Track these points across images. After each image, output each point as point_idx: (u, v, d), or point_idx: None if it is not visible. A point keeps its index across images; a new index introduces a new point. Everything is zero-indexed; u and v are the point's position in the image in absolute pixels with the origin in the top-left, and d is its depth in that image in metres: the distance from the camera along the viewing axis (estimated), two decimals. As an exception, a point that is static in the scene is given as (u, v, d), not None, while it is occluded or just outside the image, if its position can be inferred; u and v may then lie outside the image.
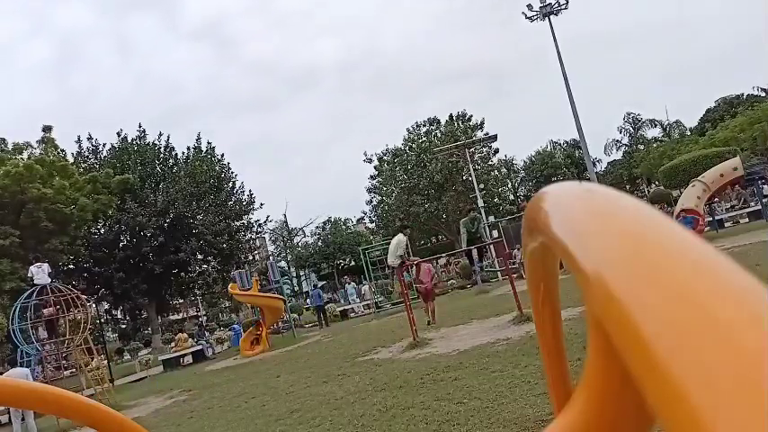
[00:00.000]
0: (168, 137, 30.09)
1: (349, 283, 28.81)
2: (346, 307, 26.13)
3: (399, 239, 11.06)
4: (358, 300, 26.43)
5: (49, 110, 73.15)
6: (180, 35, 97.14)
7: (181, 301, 36.31)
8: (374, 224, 46.07)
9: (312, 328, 22.43)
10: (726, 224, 21.36)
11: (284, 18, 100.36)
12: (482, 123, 39.64)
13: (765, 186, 18.54)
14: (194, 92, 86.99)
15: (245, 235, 32.24)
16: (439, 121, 40.35)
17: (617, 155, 50.93)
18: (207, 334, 24.89)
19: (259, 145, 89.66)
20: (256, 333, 17.66)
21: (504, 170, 47.18)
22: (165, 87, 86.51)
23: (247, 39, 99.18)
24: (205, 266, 30.23)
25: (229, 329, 26.89)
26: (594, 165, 40.95)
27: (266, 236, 41.55)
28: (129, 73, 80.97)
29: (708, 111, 47.03)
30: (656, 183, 38.90)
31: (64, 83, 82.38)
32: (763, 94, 41.91)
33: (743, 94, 45.37)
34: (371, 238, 43.18)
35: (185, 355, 21.06)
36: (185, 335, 23.48)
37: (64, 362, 15.02)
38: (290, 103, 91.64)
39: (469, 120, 39.93)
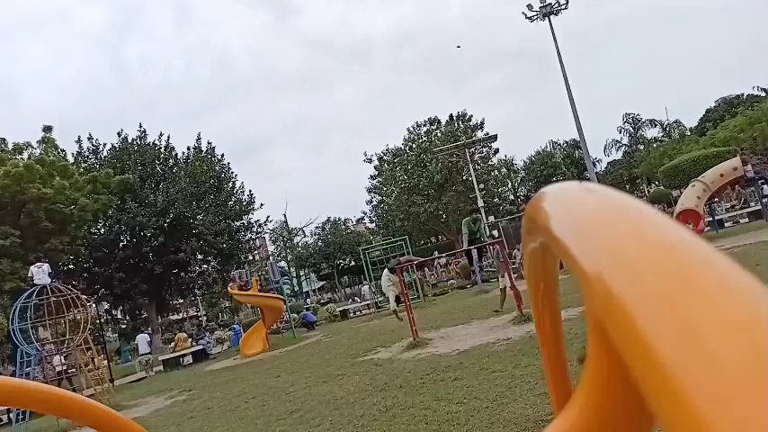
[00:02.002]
0: (168, 137, 30.08)
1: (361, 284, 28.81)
2: (347, 307, 26.12)
3: (388, 275, 11.99)
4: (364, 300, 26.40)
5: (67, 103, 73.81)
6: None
7: (181, 301, 36.28)
8: (374, 224, 46.06)
9: (311, 329, 22.42)
10: (726, 224, 21.34)
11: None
12: (482, 123, 39.66)
13: (765, 186, 18.52)
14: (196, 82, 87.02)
15: (245, 235, 32.20)
16: (439, 121, 40.34)
17: (617, 155, 50.95)
18: (207, 334, 24.90)
19: (263, 143, 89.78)
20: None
21: (504, 170, 47.15)
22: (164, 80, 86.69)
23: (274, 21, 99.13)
24: (205, 266, 30.20)
25: (229, 329, 26.90)
26: (594, 165, 40.93)
27: (266, 236, 41.53)
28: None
29: (708, 111, 47.00)
30: (656, 183, 38.92)
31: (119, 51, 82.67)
32: (763, 94, 41.87)
33: (743, 94, 45.34)
34: (371, 238, 43.17)
35: (185, 355, 21.08)
36: (185, 335, 23.52)
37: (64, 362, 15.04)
38: (296, 98, 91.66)
39: (470, 120, 39.93)
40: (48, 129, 25.14)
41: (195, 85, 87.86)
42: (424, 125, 40.75)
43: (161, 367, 21.21)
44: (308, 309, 26.28)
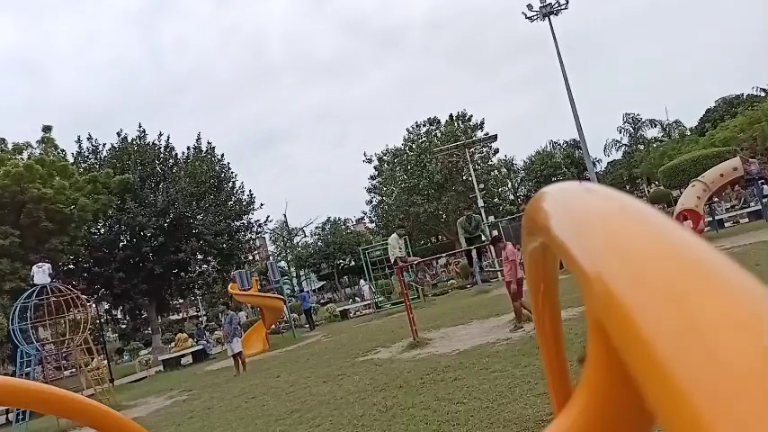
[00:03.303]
0: (168, 137, 30.09)
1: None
2: (347, 307, 26.12)
3: (393, 239, 12.00)
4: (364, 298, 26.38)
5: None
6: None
7: (181, 301, 36.27)
8: (374, 224, 46.05)
9: (312, 329, 22.42)
10: (726, 224, 21.35)
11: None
12: (482, 123, 39.65)
13: (765, 186, 18.52)
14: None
15: (245, 235, 32.18)
16: (439, 121, 40.32)
17: (617, 155, 50.96)
18: (207, 333, 24.93)
19: (267, 142, 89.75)
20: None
21: (504, 170, 47.15)
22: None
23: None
24: (205, 266, 30.19)
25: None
26: (594, 165, 40.92)
27: (266, 236, 41.51)
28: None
29: (708, 111, 47.00)
30: (656, 183, 38.91)
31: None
32: (763, 94, 41.86)
33: (743, 94, 45.32)
34: (371, 238, 43.17)
35: (185, 355, 21.08)
36: (185, 335, 23.52)
37: (64, 362, 15.03)
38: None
39: (469, 120, 39.91)
40: (47, 129, 25.10)
41: (207, 76, 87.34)
42: (424, 125, 40.75)
43: (161, 367, 21.21)
44: (302, 290, 26.14)
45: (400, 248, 12.32)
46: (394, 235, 12.52)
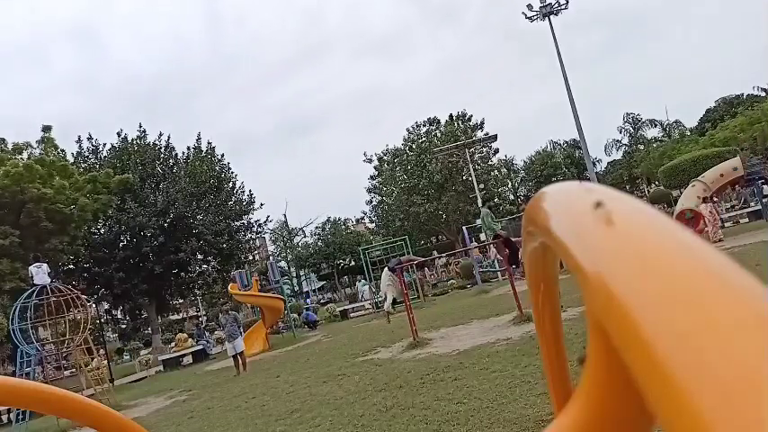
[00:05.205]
0: (168, 137, 30.14)
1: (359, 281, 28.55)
2: (347, 307, 26.09)
3: (389, 274, 12.26)
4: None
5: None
6: None
7: (181, 301, 36.29)
8: (374, 224, 46.03)
9: (313, 329, 22.43)
10: (726, 224, 21.34)
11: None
12: (482, 123, 39.63)
13: (765, 186, 18.52)
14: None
15: (245, 235, 32.22)
16: (439, 121, 40.30)
17: (617, 155, 50.97)
18: (207, 333, 24.92)
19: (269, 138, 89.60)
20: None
21: (504, 170, 47.13)
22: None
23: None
24: (205, 266, 30.22)
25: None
26: (594, 165, 40.91)
27: (266, 236, 41.53)
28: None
29: (708, 111, 47.01)
30: (656, 183, 38.93)
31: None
32: (763, 94, 41.87)
33: (743, 94, 45.34)
34: (371, 238, 43.14)
35: (185, 355, 21.08)
36: (185, 335, 23.52)
37: (64, 362, 15.04)
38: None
39: (469, 120, 39.89)
40: (47, 128, 25.11)
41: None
42: (424, 125, 40.72)
43: (161, 367, 21.21)
44: (308, 309, 26.29)
45: (393, 285, 12.61)
46: (386, 271, 12.86)
